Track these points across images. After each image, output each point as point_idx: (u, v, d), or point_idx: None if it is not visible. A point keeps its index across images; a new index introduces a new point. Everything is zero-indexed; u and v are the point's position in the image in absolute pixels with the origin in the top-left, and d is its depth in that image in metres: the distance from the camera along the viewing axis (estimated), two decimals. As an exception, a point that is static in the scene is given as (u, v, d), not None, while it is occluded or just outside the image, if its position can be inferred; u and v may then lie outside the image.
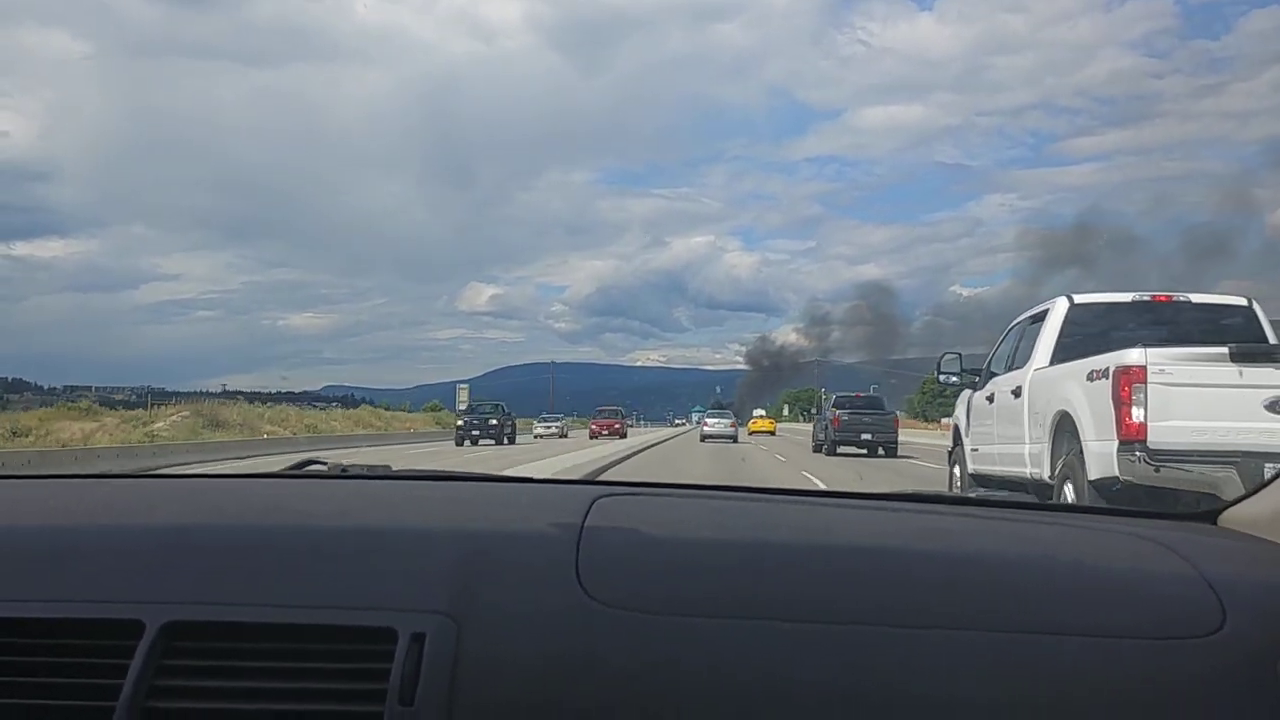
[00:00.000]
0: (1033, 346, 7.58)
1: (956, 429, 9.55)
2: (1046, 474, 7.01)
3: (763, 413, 58.57)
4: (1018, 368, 7.83)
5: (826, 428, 27.52)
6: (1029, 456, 7.33)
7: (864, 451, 25.66)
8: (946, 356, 9.14)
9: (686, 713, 0.93)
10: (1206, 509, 1.30)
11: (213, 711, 0.94)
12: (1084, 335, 7.28)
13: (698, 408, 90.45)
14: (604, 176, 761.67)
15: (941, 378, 9.15)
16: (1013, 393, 7.71)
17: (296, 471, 1.54)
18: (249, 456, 23.59)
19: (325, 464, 1.56)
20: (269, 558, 1.06)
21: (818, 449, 28.61)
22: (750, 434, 51.15)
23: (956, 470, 9.47)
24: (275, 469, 1.58)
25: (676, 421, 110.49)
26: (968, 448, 9.05)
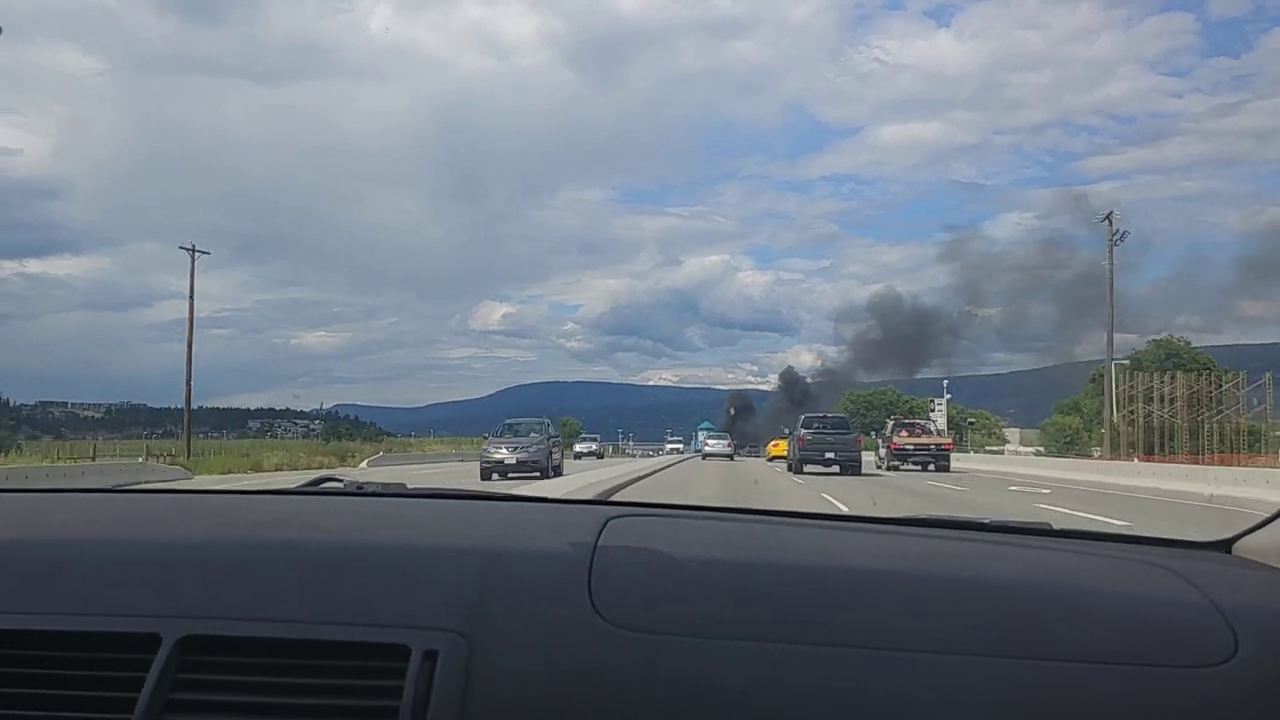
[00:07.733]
0: None
1: None
2: None
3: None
4: None
5: (794, 447, 27.76)
6: None
7: (835, 470, 25.68)
8: None
9: None
10: (1220, 537, 1.30)
11: None
12: None
13: (705, 424, 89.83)
14: (618, 194, 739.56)
15: None
16: None
17: (313, 488, 1.55)
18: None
19: (341, 481, 1.57)
20: (284, 573, 1.07)
21: (790, 468, 28.00)
22: (770, 460, 43.02)
23: None
24: (292, 486, 1.61)
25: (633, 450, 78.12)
26: None
